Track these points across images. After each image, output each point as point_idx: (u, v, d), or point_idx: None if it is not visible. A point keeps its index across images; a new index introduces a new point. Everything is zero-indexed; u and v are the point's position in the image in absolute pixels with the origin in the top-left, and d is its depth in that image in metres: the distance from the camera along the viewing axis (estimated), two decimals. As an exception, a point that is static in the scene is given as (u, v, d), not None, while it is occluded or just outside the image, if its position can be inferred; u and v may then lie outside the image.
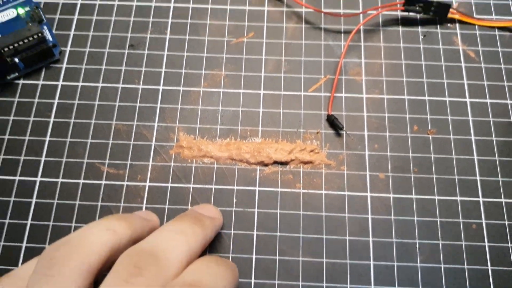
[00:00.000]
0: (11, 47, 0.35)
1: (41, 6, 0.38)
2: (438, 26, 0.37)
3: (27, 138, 0.33)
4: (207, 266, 0.22)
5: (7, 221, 0.31)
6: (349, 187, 0.32)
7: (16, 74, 0.35)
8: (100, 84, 0.35)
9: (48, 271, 0.20)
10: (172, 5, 0.38)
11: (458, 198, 0.32)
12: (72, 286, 0.20)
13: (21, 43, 0.35)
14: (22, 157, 0.33)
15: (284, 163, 0.33)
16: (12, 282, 0.21)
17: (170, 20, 0.37)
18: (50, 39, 0.36)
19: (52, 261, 0.21)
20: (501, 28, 0.37)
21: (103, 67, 0.36)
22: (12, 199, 0.32)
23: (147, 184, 0.32)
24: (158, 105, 0.34)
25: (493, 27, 0.37)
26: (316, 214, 0.31)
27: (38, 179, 0.32)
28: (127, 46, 0.36)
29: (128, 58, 0.36)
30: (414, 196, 0.32)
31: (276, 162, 0.33)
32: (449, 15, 0.37)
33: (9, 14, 0.37)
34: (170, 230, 0.23)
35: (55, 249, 0.21)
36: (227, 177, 0.32)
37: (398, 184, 0.32)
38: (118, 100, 0.34)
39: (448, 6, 0.36)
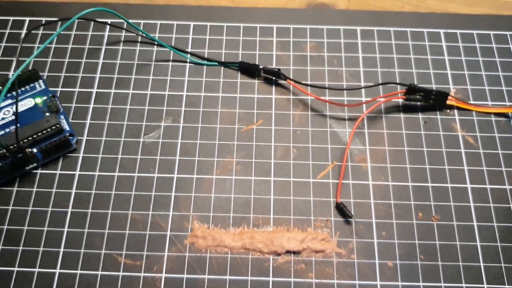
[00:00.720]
0: (29, 138, 0.36)
1: (58, 94, 0.39)
2: (438, 112, 0.39)
3: (45, 228, 0.34)
4: None
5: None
6: (360, 276, 0.33)
7: (35, 164, 0.36)
8: (116, 174, 0.36)
9: None
10: (185, 93, 0.40)
11: (464, 285, 0.33)
12: None
13: (39, 134, 0.36)
14: (41, 248, 0.34)
15: (296, 252, 0.34)
16: None
17: (183, 109, 0.39)
18: (67, 128, 0.38)
19: None
20: (497, 114, 0.39)
21: (119, 156, 0.37)
22: (31, 292, 0.32)
23: (163, 275, 0.33)
24: (173, 194, 0.36)
25: (489, 113, 0.39)
26: (328, 304, 0.32)
27: (57, 270, 0.33)
28: (142, 135, 0.38)
29: (143, 147, 0.37)
30: (421, 284, 0.33)
31: (288, 252, 0.34)
32: (448, 102, 0.39)
33: (27, 103, 0.38)
34: None
35: None
36: (240, 267, 0.33)
37: (406, 272, 0.33)
38: (134, 189, 0.36)
39: (446, 94, 0.38)
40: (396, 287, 0.33)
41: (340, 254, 0.34)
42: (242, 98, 0.40)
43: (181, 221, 0.35)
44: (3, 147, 0.34)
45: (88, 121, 0.38)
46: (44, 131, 0.36)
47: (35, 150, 0.36)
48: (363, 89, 0.40)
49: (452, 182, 0.36)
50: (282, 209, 0.35)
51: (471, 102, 0.40)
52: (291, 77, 0.39)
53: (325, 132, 0.38)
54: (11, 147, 0.34)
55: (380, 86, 0.40)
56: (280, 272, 0.33)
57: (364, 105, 0.39)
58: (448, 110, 0.39)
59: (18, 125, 0.35)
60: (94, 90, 0.40)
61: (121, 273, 0.33)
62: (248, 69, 0.40)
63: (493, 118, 0.39)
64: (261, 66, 0.40)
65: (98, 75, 0.40)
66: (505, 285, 0.33)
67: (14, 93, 0.39)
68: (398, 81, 0.39)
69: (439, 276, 0.33)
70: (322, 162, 0.37)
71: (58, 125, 0.37)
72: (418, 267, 0.33)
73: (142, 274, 0.33)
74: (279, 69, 0.39)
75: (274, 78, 0.40)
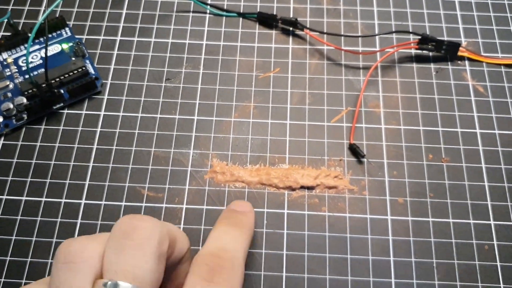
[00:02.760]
0: (57, 79, 0.38)
1: (83, 41, 0.41)
2: (449, 63, 0.40)
3: (71, 163, 0.36)
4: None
5: (54, 240, 0.34)
6: (371, 211, 0.35)
7: (62, 104, 0.38)
8: (139, 115, 0.38)
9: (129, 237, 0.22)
10: (204, 42, 0.41)
11: (471, 221, 0.34)
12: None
13: (66, 75, 0.38)
14: (68, 181, 0.36)
15: (310, 188, 0.35)
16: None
17: (203, 56, 0.41)
18: (93, 72, 0.39)
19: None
20: (507, 65, 0.40)
21: (142, 98, 0.39)
22: (59, 220, 0.34)
23: (184, 206, 0.35)
24: (193, 134, 0.37)
25: (499, 64, 0.40)
26: (341, 236, 0.34)
27: (83, 201, 0.35)
28: (164, 80, 0.39)
29: (165, 91, 0.39)
30: (430, 219, 0.34)
31: (302, 187, 0.35)
32: (459, 53, 0.40)
33: (54, 49, 0.40)
34: (225, 233, 0.27)
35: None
36: (257, 200, 0.35)
37: (416, 208, 0.35)
38: (156, 129, 0.37)
39: (458, 45, 0.40)
40: (406, 222, 0.34)
41: (352, 190, 0.35)
42: (259, 47, 0.41)
43: (201, 159, 0.36)
44: (34, 84, 0.36)
45: (112, 66, 0.40)
46: (71, 73, 0.38)
47: (62, 91, 0.38)
48: (377, 39, 0.41)
49: (462, 127, 0.38)
50: (297, 149, 0.37)
51: (482, 54, 0.41)
52: (309, 27, 0.41)
53: (339, 80, 0.40)
54: (42, 85, 0.36)
55: (394, 36, 0.41)
56: (295, 205, 0.35)
57: (378, 54, 0.40)
58: (459, 61, 0.41)
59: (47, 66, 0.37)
60: (118, 38, 0.41)
61: (144, 204, 0.35)
62: (266, 20, 0.42)
63: (503, 69, 0.40)
64: (278, 16, 0.41)
65: (121, 24, 0.42)
66: (510, 221, 0.34)
67: (42, 39, 0.41)
68: (411, 33, 0.41)
69: (447, 213, 0.35)
70: (337, 108, 0.38)
71: (84, 68, 0.38)
72: (427, 204, 0.35)
73: (164, 205, 0.35)
74: (296, 19, 0.41)
75: (291, 28, 0.42)
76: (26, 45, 0.40)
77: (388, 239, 0.34)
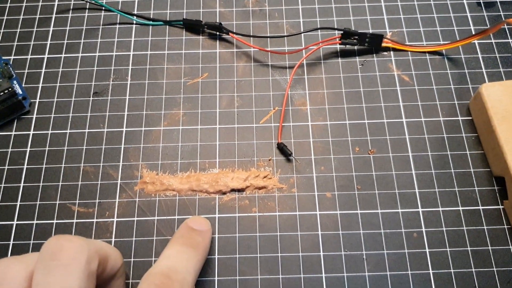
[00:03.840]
0: (-16, 103, 0.38)
1: (11, 62, 0.41)
2: (374, 55, 0.41)
3: (2, 185, 0.36)
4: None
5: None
6: (300, 207, 0.35)
7: (-10, 127, 0.38)
8: (68, 131, 0.38)
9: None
10: (131, 53, 0.41)
11: (400, 210, 0.35)
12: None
13: (-7, 98, 0.38)
14: (-1, 203, 0.36)
15: (240, 190, 0.36)
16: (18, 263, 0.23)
17: (130, 67, 0.41)
18: (20, 92, 0.39)
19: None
20: (431, 53, 0.41)
21: (70, 114, 0.39)
22: (-9, 243, 0.34)
23: (115, 219, 0.35)
24: (122, 146, 0.37)
25: (424, 52, 0.41)
26: (271, 235, 0.34)
27: (15, 222, 0.35)
28: (92, 94, 0.39)
29: (93, 105, 0.39)
30: (359, 211, 0.35)
31: (233, 190, 0.36)
32: (383, 44, 0.41)
33: (-19, 72, 0.40)
34: (178, 253, 0.28)
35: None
36: (188, 207, 0.35)
37: (344, 201, 0.35)
38: (85, 144, 0.37)
39: (381, 36, 0.40)
40: (335, 216, 0.35)
41: (282, 189, 0.36)
42: (187, 54, 0.41)
43: (131, 170, 0.37)
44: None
45: (40, 85, 0.40)
46: (-3, 95, 0.38)
47: (-10, 113, 0.38)
48: (303, 38, 0.42)
49: (388, 118, 0.38)
50: (227, 153, 0.37)
51: (407, 43, 0.41)
52: (234, 32, 0.41)
53: (267, 81, 0.40)
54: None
55: (319, 32, 0.42)
56: (226, 209, 0.35)
57: (303, 52, 0.41)
58: (384, 53, 0.41)
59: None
60: (46, 56, 0.41)
61: (75, 220, 0.35)
62: (192, 26, 0.42)
63: (427, 57, 0.41)
64: (203, 22, 0.41)
65: (49, 42, 0.42)
66: (438, 207, 0.35)
67: (-33, 62, 0.40)
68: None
69: (376, 204, 0.35)
70: (265, 108, 0.39)
71: (10, 89, 0.38)
72: (355, 196, 0.35)
73: (95, 220, 0.35)
74: (220, 23, 0.41)
75: (217, 33, 0.42)
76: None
77: (317, 234, 0.34)
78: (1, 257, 0.32)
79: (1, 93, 0.38)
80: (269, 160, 0.37)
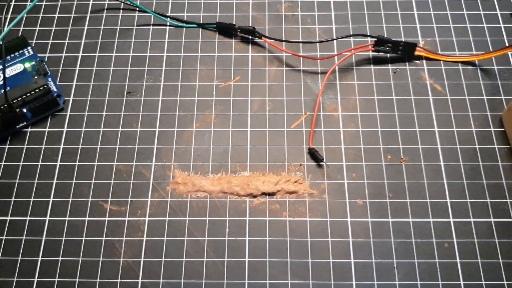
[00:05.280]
0: (19, 98, 0.38)
1: (46, 60, 0.42)
2: (407, 63, 0.41)
3: (36, 181, 0.37)
4: None
5: (19, 258, 0.34)
6: (331, 214, 0.35)
7: (25, 123, 0.39)
8: (101, 129, 0.38)
9: None
10: (165, 54, 0.42)
11: (431, 220, 0.35)
12: None
13: (28, 94, 0.38)
14: (32, 199, 0.36)
15: (271, 194, 0.36)
16: None
17: (163, 68, 0.41)
18: (55, 89, 0.40)
19: None
20: (464, 63, 0.41)
21: (104, 113, 0.39)
22: (24, 238, 0.35)
23: (147, 219, 0.35)
24: (155, 146, 0.38)
25: (456, 62, 0.41)
26: (301, 240, 0.34)
27: (47, 218, 0.35)
28: (125, 93, 0.40)
29: (127, 104, 0.39)
30: (390, 220, 0.35)
31: (264, 194, 0.36)
32: (416, 53, 0.41)
33: (17, 68, 0.41)
34: None
35: None
36: (219, 209, 0.35)
37: (375, 209, 0.35)
38: (118, 143, 0.38)
39: (414, 45, 0.40)
40: (366, 223, 0.35)
41: (312, 194, 0.36)
42: (220, 57, 0.42)
43: (163, 170, 0.37)
44: (-2, 105, 0.36)
45: (74, 83, 0.41)
46: (33, 92, 0.38)
47: (24, 110, 0.38)
48: (335, 44, 0.42)
49: (420, 127, 0.38)
50: (258, 156, 0.37)
51: (439, 52, 0.41)
52: (267, 36, 0.41)
53: (298, 86, 0.40)
54: (2, 107, 0.37)
55: (352, 39, 0.42)
56: (256, 212, 0.35)
57: (335, 58, 0.41)
58: (416, 61, 0.41)
59: (8, 87, 0.38)
60: (80, 55, 0.42)
61: (107, 218, 0.35)
62: (225, 30, 0.42)
63: (460, 67, 0.41)
64: (237, 26, 0.42)
65: (83, 41, 0.43)
66: (470, 218, 0.35)
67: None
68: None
69: (407, 212, 0.35)
70: (296, 113, 0.39)
71: (45, 86, 0.39)
72: (387, 204, 0.35)
73: (126, 219, 0.35)
74: (254, 28, 0.41)
75: (250, 37, 0.42)
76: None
77: (348, 241, 0.34)
78: (33, 253, 0.33)
79: (37, 90, 0.38)
80: (300, 165, 0.37)
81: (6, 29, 0.34)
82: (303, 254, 0.34)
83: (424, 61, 0.41)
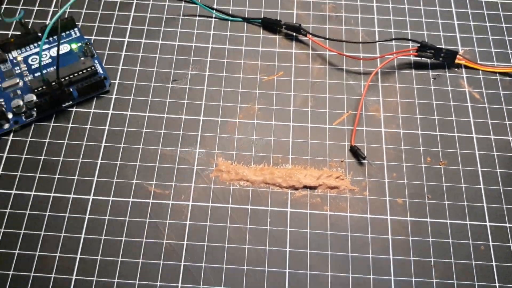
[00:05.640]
0: (67, 78, 0.39)
1: (92, 42, 0.42)
2: (447, 70, 0.42)
3: (80, 160, 0.37)
4: None
5: (62, 234, 0.34)
6: (371, 211, 0.36)
7: (70, 102, 0.39)
8: (147, 114, 0.39)
9: None
10: (210, 45, 0.42)
11: (468, 222, 0.36)
12: None
13: (76, 74, 0.39)
14: (76, 177, 0.36)
15: (312, 188, 0.36)
16: None
17: (208, 59, 0.42)
18: (101, 72, 0.40)
19: None
20: (502, 73, 0.42)
21: (150, 98, 0.40)
22: (67, 215, 0.35)
23: (190, 203, 0.36)
24: (199, 134, 0.38)
25: (495, 72, 0.42)
26: (342, 234, 0.35)
27: (91, 197, 0.36)
28: (171, 81, 0.40)
29: (172, 92, 0.40)
30: (428, 220, 0.36)
31: (305, 187, 0.36)
32: (456, 61, 0.41)
33: (64, 49, 0.41)
34: None
35: None
36: (261, 199, 0.36)
37: (415, 209, 0.36)
38: (163, 128, 0.38)
39: (455, 53, 0.41)
40: (405, 222, 0.35)
41: (353, 191, 0.36)
42: (264, 51, 0.42)
43: (207, 158, 0.37)
44: (45, 82, 0.37)
45: (120, 67, 0.41)
46: (80, 72, 0.39)
47: (71, 89, 0.39)
48: (377, 46, 0.43)
49: (459, 132, 0.39)
50: (300, 150, 0.38)
51: (478, 62, 0.42)
52: (312, 33, 0.42)
53: (341, 84, 0.41)
54: (52, 83, 0.37)
55: (394, 43, 0.43)
56: (298, 204, 0.36)
57: (378, 60, 0.42)
58: (456, 69, 0.42)
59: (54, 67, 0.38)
60: (126, 39, 0.42)
61: (151, 201, 0.36)
62: (271, 25, 0.43)
63: (498, 77, 0.42)
64: (282, 22, 0.42)
65: (129, 26, 0.43)
66: (505, 223, 0.36)
67: (51, 39, 0.41)
68: (410, 41, 0.42)
69: (445, 214, 0.36)
70: (338, 111, 0.40)
71: (93, 67, 0.39)
72: (425, 205, 0.36)
73: (170, 202, 0.36)
74: (300, 25, 0.42)
75: (294, 34, 0.43)
76: (36, 44, 0.41)
77: (387, 238, 0.35)
78: (76, 229, 0.33)
79: (85, 70, 0.39)
80: (342, 161, 0.38)
81: (61, 9, 0.35)
82: (343, 248, 0.34)
83: (463, 69, 0.42)
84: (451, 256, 0.34)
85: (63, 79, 0.38)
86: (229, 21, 0.44)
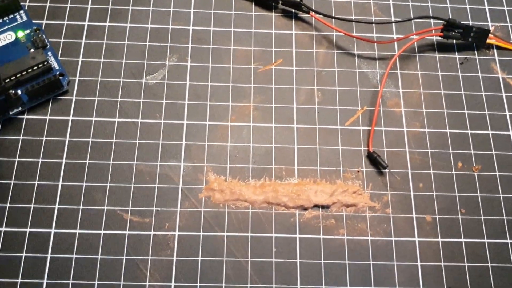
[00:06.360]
0: (13, 77, 0.31)
1: (43, 28, 0.34)
2: (476, 52, 0.35)
3: (36, 182, 0.30)
4: None
5: (19, 280, 0.27)
6: (396, 232, 0.30)
7: (20, 108, 0.31)
8: (116, 119, 0.31)
9: None
10: (191, 28, 0.34)
11: (509, 241, 0.30)
12: None
13: (24, 73, 0.31)
14: (32, 205, 0.29)
15: (325, 207, 0.30)
16: None
17: (189, 45, 0.34)
18: (57, 67, 0.32)
19: None
20: (539, 54, 0.35)
21: (119, 99, 0.32)
22: (24, 254, 0.28)
23: (177, 233, 0.29)
24: (183, 142, 0.31)
25: (531, 53, 0.35)
26: (362, 263, 0.29)
27: (52, 230, 0.29)
28: (144, 75, 0.33)
29: (146, 89, 0.32)
30: (463, 240, 0.30)
31: (316, 206, 0.30)
32: (488, 41, 0.35)
33: (7, 38, 0.33)
34: None
35: None
36: (263, 223, 0.30)
37: (446, 227, 0.30)
38: (138, 137, 0.31)
39: (487, 32, 0.34)
40: (436, 244, 0.30)
41: (374, 208, 0.30)
42: (257, 33, 0.35)
43: (194, 173, 0.30)
44: (-18, 86, 0.29)
45: (80, 59, 0.33)
46: (30, 70, 0.31)
47: (19, 91, 0.31)
48: (394, 24, 0.35)
49: (493, 129, 0.33)
50: (307, 159, 0.31)
51: (512, 41, 0.36)
52: (315, 10, 0.34)
53: (353, 73, 0.34)
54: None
55: (413, 22, 0.35)
56: (308, 228, 0.30)
57: (395, 42, 0.35)
58: (486, 50, 0.35)
59: (-2, 62, 0.30)
60: (86, 23, 0.34)
61: (127, 232, 0.29)
62: (264, 1, 0.35)
63: (536, 59, 0.35)
64: (279, -4, 0.35)
65: (89, 6, 0.35)
66: (552, 240, 0.30)
67: (-10, 25, 0.33)
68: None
69: (481, 231, 0.30)
70: (351, 107, 0.33)
71: (46, 63, 0.31)
72: (459, 221, 0.30)
73: (152, 232, 0.29)
74: (301, 0, 0.34)
75: (293, 10, 0.35)
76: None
77: (416, 266, 0.29)
78: (36, 274, 0.26)
79: (35, 67, 0.31)
80: (358, 171, 0.31)
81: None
82: (365, 280, 0.29)
83: (495, 50, 0.35)
84: (491, 284, 0.29)
85: (8, 80, 0.30)
86: (213, -4, 0.36)
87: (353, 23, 0.35)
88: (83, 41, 0.34)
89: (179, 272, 0.28)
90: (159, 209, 0.29)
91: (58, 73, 0.32)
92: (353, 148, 0.32)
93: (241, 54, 0.34)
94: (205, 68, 0.33)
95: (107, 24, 0.34)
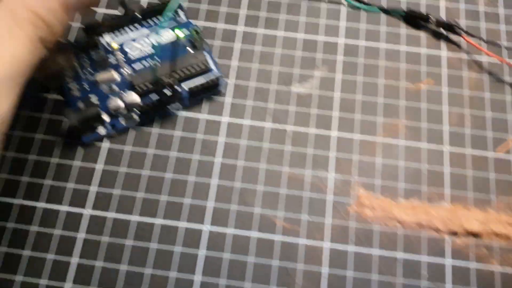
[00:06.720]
0: (176, 76, 0.32)
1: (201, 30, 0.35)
2: None
3: (194, 179, 0.30)
4: None
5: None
6: (553, 269, 0.29)
7: (180, 106, 0.32)
8: (267, 123, 0.32)
9: None
10: (342, 40, 0.35)
11: None
12: None
13: (186, 71, 0.32)
14: (185, 199, 0.30)
15: (476, 235, 0.29)
16: None
17: (337, 57, 0.34)
18: (215, 69, 0.33)
19: None
20: None
21: (270, 105, 0.33)
22: (176, 247, 0.29)
23: (327, 245, 0.29)
24: (333, 154, 0.31)
25: None
26: (516, 297, 0.28)
27: (208, 229, 0.29)
28: (294, 84, 0.33)
29: (295, 98, 0.33)
30: None
31: (468, 233, 0.29)
32: None
33: (168, 37, 0.34)
34: None
35: None
36: (413, 245, 0.29)
37: None
38: (288, 143, 0.31)
39: None
40: None
41: (529, 241, 0.29)
42: (406, 52, 0.35)
43: (343, 186, 0.31)
44: (156, 79, 0.30)
45: (233, 63, 0.34)
46: (193, 69, 0.32)
47: (186, 88, 0.32)
48: (550, 54, 0.34)
49: None
50: (457, 183, 0.31)
51: None
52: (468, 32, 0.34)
53: (501, 102, 0.33)
54: (163, 81, 0.30)
55: None
56: (460, 255, 0.29)
57: (552, 73, 0.34)
58: None
59: (159, 60, 0.31)
60: (241, 28, 0.35)
61: (280, 238, 0.29)
62: (414, 19, 0.35)
63: None
64: (432, 16, 0.34)
65: (243, 11, 0.36)
66: None
67: (152, 22, 0.34)
68: None
69: None
70: (501, 134, 0.32)
71: (206, 64, 0.32)
72: None
73: (303, 242, 0.29)
74: (456, 22, 0.34)
75: (444, 32, 0.35)
76: (132, 27, 0.34)
77: None
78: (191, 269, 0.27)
79: (197, 68, 0.32)
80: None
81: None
82: (517, 315, 0.28)
83: None
84: None
85: (176, 76, 0.31)
86: (363, 11, 0.36)
87: (507, 50, 0.34)
88: (240, 45, 0.34)
89: (330, 286, 0.28)
90: (310, 217, 0.30)
91: (218, 75, 0.32)
92: (503, 175, 0.31)
93: (390, 70, 0.34)
94: (353, 82, 0.33)
95: (262, 31, 0.35)
